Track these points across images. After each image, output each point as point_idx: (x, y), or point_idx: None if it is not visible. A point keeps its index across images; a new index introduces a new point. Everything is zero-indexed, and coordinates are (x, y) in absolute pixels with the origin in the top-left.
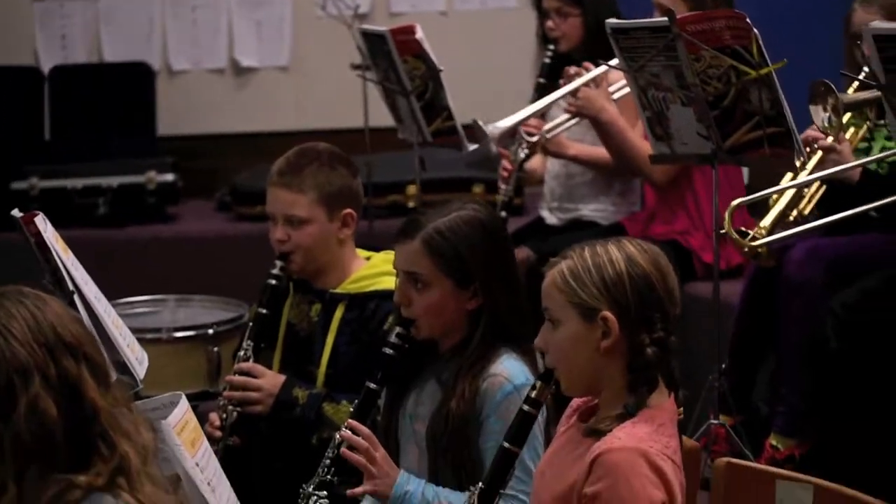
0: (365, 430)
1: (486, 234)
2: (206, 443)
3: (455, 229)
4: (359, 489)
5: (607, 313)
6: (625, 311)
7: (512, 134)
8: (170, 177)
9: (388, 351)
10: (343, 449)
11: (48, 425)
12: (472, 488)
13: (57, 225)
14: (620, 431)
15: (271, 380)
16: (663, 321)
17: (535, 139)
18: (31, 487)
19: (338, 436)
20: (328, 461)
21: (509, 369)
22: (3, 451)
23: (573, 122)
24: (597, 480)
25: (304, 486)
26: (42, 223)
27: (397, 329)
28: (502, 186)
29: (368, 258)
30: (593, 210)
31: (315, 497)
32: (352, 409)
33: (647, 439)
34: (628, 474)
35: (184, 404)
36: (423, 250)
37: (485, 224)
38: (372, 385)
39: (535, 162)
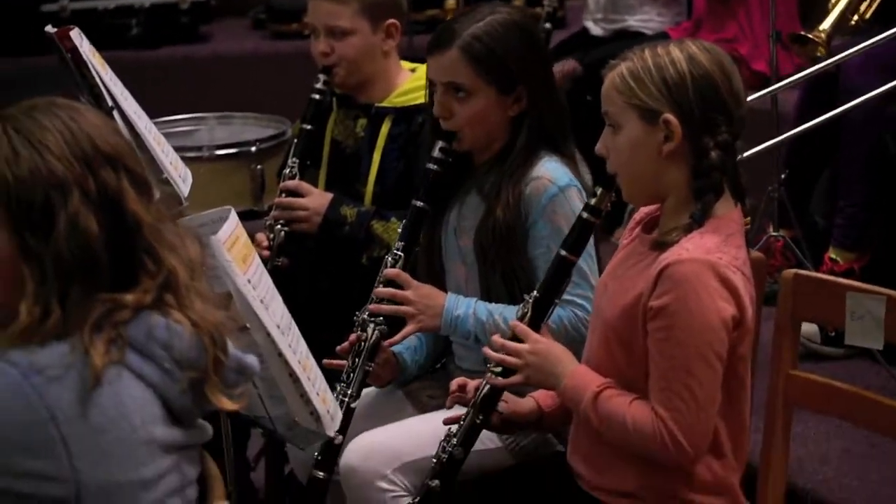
0: (393, 272)
1: (524, 34)
2: (257, 259)
3: (493, 33)
4: (402, 332)
5: (669, 115)
6: (687, 113)
7: None
8: None
9: (432, 166)
10: (371, 306)
11: (90, 242)
12: (525, 297)
13: None
14: (688, 242)
15: (318, 198)
16: (728, 124)
17: None
18: (75, 309)
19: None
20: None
21: (552, 171)
22: (45, 271)
23: None
24: (664, 293)
25: (357, 313)
26: (78, 37)
27: (439, 143)
28: None
29: (413, 70)
30: (639, 20)
31: (372, 324)
32: (400, 229)
33: (715, 250)
34: (696, 287)
35: (233, 219)
36: (463, 58)
37: (521, 25)
38: (419, 203)
39: None
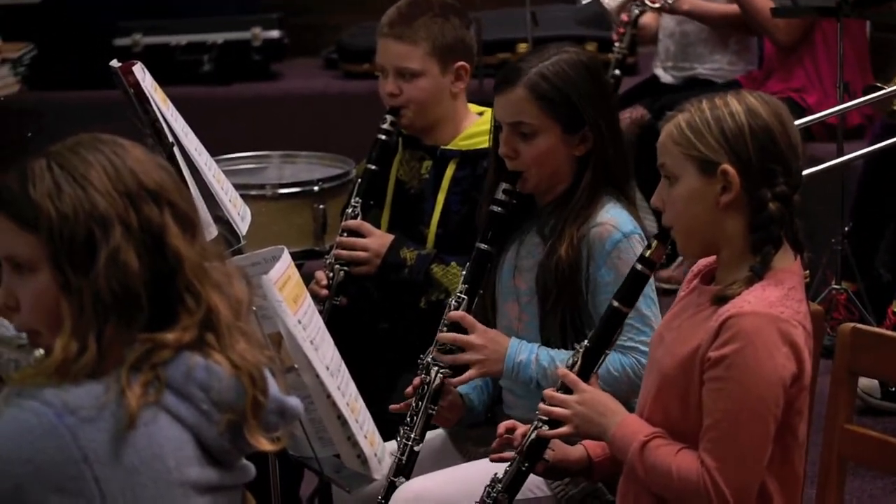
0: (457, 314)
1: (590, 74)
2: (309, 300)
3: (559, 72)
4: (465, 375)
5: (727, 166)
6: (745, 165)
7: None
8: (275, 33)
9: (496, 209)
10: (435, 353)
11: (130, 278)
12: (576, 346)
13: (160, 83)
14: (749, 295)
15: (379, 239)
16: (786, 175)
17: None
18: (112, 347)
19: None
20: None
21: (616, 217)
22: (83, 307)
23: None
24: (724, 344)
25: (421, 356)
26: (140, 72)
27: (503, 185)
28: (616, 44)
29: (481, 114)
30: (709, 68)
31: (435, 367)
32: (464, 272)
33: (777, 304)
34: (757, 341)
35: (286, 258)
36: (529, 96)
37: (587, 65)
38: (483, 246)
39: (649, 18)
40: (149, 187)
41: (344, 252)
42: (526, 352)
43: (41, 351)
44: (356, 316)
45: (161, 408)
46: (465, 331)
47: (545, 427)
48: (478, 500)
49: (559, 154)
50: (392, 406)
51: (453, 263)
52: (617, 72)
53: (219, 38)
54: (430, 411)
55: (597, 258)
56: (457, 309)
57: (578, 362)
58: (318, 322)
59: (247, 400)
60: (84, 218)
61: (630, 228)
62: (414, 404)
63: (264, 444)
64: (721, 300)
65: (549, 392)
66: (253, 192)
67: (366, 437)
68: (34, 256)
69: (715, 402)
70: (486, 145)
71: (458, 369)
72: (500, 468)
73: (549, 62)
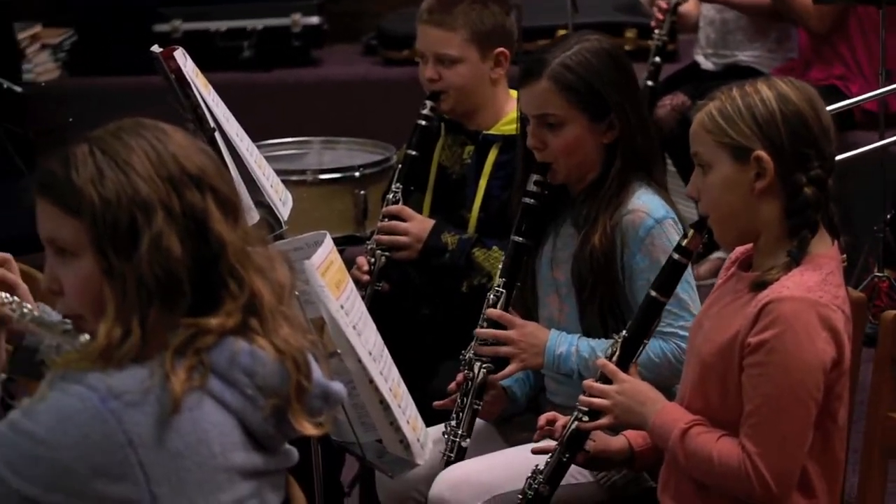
0: (495, 313)
1: (613, 61)
2: (351, 285)
3: (582, 61)
4: (506, 371)
5: (761, 152)
6: (779, 150)
7: None
8: (315, 19)
9: (529, 201)
10: (477, 347)
11: (172, 263)
12: (615, 336)
13: (200, 69)
14: (788, 280)
15: (419, 224)
16: (820, 159)
17: None
18: (156, 331)
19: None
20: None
21: (648, 203)
22: (127, 292)
23: None
24: (763, 329)
25: (463, 352)
26: (182, 58)
27: (534, 177)
28: (656, 31)
29: None
30: (749, 56)
31: (478, 363)
32: (501, 264)
33: (816, 288)
34: (797, 326)
35: (328, 243)
36: (553, 88)
37: (610, 52)
38: (518, 238)
39: (690, 6)
40: (191, 172)
41: (385, 237)
42: (566, 343)
43: (86, 336)
44: (398, 302)
45: (206, 393)
46: (504, 327)
47: (585, 418)
48: (519, 490)
49: (587, 143)
50: (436, 403)
51: (495, 247)
52: (657, 59)
53: (259, 24)
54: (476, 406)
55: (631, 245)
56: (495, 303)
57: (617, 352)
58: (361, 307)
59: (291, 384)
60: (127, 203)
61: (662, 214)
62: (459, 400)
63: (309, 429)
64: (759, 286)
65: (588, 383)
66: (294, 178)
67: (408, 422)
68: (77, 241)
69: (755, 388)
70: None
71: (500, 362)
72: (542, 460)
73: (571, 52)
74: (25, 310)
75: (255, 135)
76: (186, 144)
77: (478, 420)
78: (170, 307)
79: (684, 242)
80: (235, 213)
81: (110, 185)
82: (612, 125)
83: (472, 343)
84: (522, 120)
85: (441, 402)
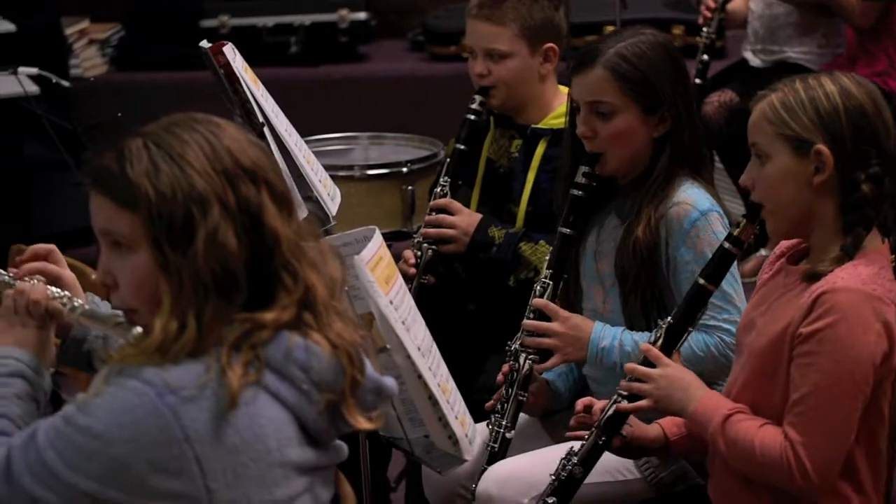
0: (540, 302)
1: (668, 56)
2: (400, 280)
3: (639, 53)
4: (549, 362)
5: (822, 146)
6: (840, 145)
7: None
8: (362, 15)
9: (577, 192)
10: (523, 338)
11: (228, 257)
12: (660, 322)
13: (247, 64)
14: (842, 272)
15: (467, 218)
16: (879, 157)
17: None
18: (211, 326)
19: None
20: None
21: (693, 196)
22: (183, 286)
23: None
24: (817, 318)
25: (509, 343)
26: (231, 53)
27: (583, 168)
28: (704, 29)
29: None
30: (798, 52)
31: (524, 354)
32: (548, 256)
33: (870, 282)
34: (850, 316)
35: (378, 238)
36: (608, 76)
37: (666, 47)
38: (566, 230)
39: (738, 3)
40: (246, 166)
41: (432, 230)
42: (609, 337)
43: (139, 329)
44: (444, 296)
45: (261, 388)
46: (549, 318)
47: (624, 402)
48: (552, 472)
49: (638, 134)
50: (487, 405)
51: (542, 241)
52: (705, 57)
53: (306, 19)
54: (521, 398)
55: (675, 237)
56: (542, 294)
57: (661, 338)
58: (410, 302)
59: (345, 379)
60: (182, 197)
61: (707, 206)
62: (504, 391)
63: (363, 423)
64: (812, 277)
65: (631, 365)
66: (341, 174)
67: (457, 417)
68: (133, 235)
69: (804, 377)
70: None
71: (545, 355)
72: (577, 444)
73: (627, 43)
74: (76, 304)
75: (301, 130)
76: (240, 138)
77: (523, 415)
78: (225, 302)
79: (736, 232)
80: (289, 207)
81: (165, 179)
82: (664, 119)
83: (518, 334)
84: (572, 111)
85: (491, 402)
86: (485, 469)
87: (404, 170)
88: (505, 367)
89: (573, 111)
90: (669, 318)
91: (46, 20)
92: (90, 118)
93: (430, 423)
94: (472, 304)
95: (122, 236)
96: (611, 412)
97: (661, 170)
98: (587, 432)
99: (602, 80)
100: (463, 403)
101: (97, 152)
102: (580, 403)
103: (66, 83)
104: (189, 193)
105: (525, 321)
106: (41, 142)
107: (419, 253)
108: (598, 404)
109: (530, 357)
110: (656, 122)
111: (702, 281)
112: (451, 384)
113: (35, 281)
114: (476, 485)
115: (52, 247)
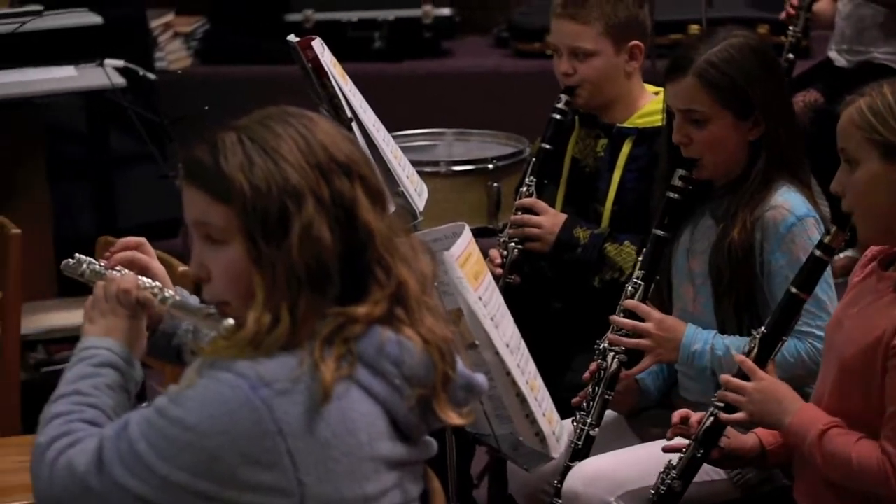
0: (632, 303)
1: (759, 59)
2: (489, 276)
3: (728, 59)
4: (641, 365)
5: None
6: None
7: None
8: (446, 11)
9: (673, 195)
10: (610, 335)
11: (322, 251)
12: (753, 332)
13: None
14: None
15: (552, 218)
16: None
17: None
18: (304, 319)
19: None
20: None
21: (790, 201)
22: (276, 280)
23: None
24: None
25: (598, 341)
26: (319, 47)
27: (679, 171)
28: (790, 28)
29: (657, 93)
30: (885, 53)
31: (612, 353)
32: (640, 257)
33: None
34: None
35: (467, 235)
36: (699, 84)
37: (756, 49)
38: (660, 232)
39: (823, 4)
40: (339, 160)
41: (517, 230)
42: (701, 341)
43: (230, 321)
44: (530, 295)
45: (353, 382)
46: (641, 319)
47: (722, 414)
48: (651, 486)
49: (732, 140)
50: (574, 400)
51: (627, 242)
52: (791, 55)
53: (390, 14)
54: (607, 396)
55: (771, 242)
56: (633, 294)
57: (755, 349)
58: (499, 299)
59: (437, 374)
60: (277, 191)
61: (804, 212)
62: (591, 389)
63: (454, 419)
64: None
65: (726, 377)
66: (427, 169)
67: (544, 415)
68: (227, 228)
69: None
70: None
71: (634, 353)
72: (674, 458)
73: (717, 48)
74: (167, 294)
75: (385, 125)
76: (333, 132)
77: (609, 412)
78: (319, 295)
79: (826, 239)
80: (382, 201)
81: (259, 173)
82: (758, 122)
83: (608, 332)
84: (669, 113)
85: (577, 398)
86: (568, 466)
87: (490, 166)
88: (593, 366)
89: (670, 114)
90: (763, 329)
91: (132, 13)
92: (175, 111)
93: (517, 420)
94: (557, 302)
95: (216, 229)
96: (708, 424)
97: (758, 173)
98: (685, 444)
99: (693, 88)
100: (550, 401)
101: (189, 145)
102: (676, 415)
103: (152, 76)
104: (283, 187)
105: (616, 318)
106: (127, 134)
107: (505, 252)
108: (695, 416)
109: (618, 356)
110: (750, 126)
111: (794, 290)
112: (539, 382)
113: (125, 272)
114: (558, 481)
115: (143, 239)
